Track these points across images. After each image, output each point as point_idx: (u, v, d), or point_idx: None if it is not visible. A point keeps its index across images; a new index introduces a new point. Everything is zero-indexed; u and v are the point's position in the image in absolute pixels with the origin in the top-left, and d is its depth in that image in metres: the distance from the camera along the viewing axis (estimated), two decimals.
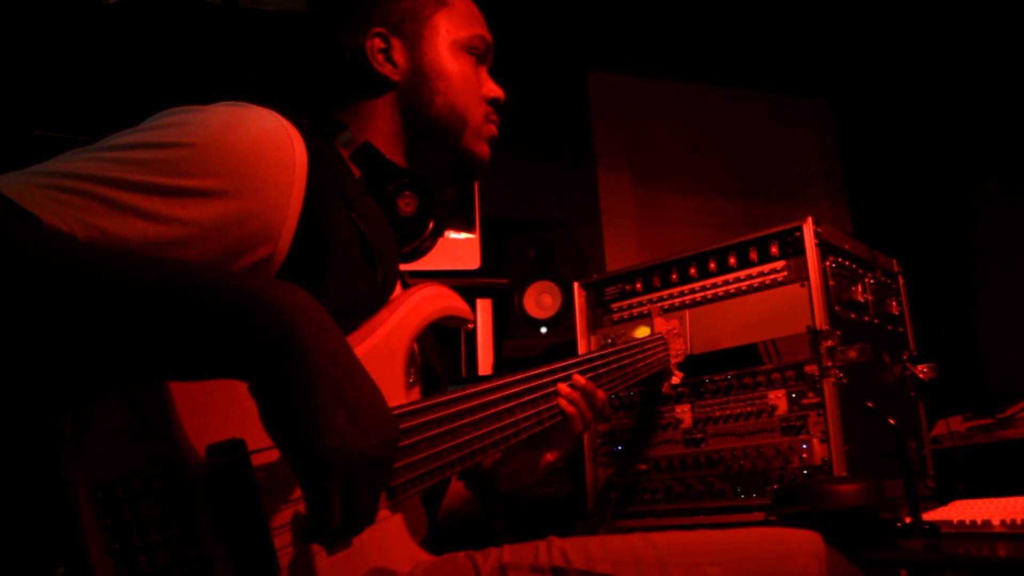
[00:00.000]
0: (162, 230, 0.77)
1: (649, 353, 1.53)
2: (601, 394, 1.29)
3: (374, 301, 1.01)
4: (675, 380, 1.65)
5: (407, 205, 1.14)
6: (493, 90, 1.23)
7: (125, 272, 0.66)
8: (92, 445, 0.65)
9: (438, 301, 1.09)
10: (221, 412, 0.76)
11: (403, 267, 1.22)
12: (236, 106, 0.88)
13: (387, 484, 0.76)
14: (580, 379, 1.26)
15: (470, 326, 1.14)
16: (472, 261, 2.43)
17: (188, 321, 0.65)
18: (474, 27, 1.21)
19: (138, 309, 0.64)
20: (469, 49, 1.20)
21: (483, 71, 1.24)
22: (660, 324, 1.66)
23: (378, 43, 1.15)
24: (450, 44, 1.18)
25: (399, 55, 1.16)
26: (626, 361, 1.44)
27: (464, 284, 2.42)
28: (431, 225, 1.18)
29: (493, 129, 1.23)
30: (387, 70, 1.15)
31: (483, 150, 1.22)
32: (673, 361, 1.64)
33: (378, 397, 0.75)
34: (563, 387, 1.24)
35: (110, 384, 0.67)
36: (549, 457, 1.30)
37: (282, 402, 0.68)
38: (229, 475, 0.74)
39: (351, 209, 1.00)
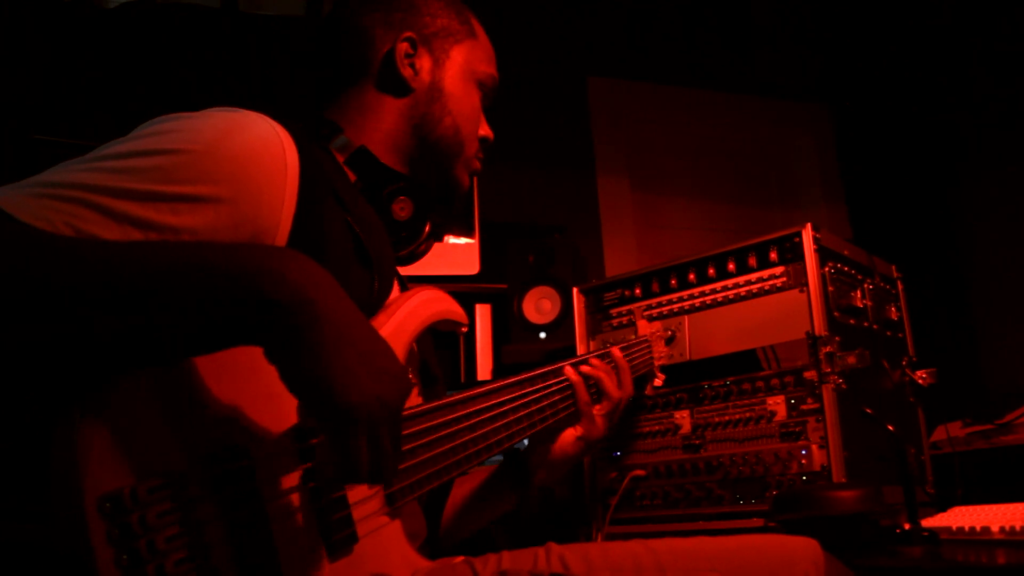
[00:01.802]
0: (155, 238, 0.77)
1: (634, 355, 1.54)
2: (625, 366, 1.44)
3: (370, 304, 1.01)
4: (658, 382, 1.65)
5: (402, 210, 1.15)
6: (487, 131, 1.27)
7: (129, 255, 0.67)
8: (98, 453, 0.65)
9: (434, 305, 1.09)
10: (226, 418, 0.76)
11: (402, 271, 1.23)
12: (228, 111, 0.88)
13: (401, 433, 0.80)
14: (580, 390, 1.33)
15: (464, 329, 1.15)
16: (471, 266, 2.43)
17: (200, 292, 0.67)
18: (491, 66, 1.26)
19: (148, 287, 0.65)
20: (481, 84, 1.24)
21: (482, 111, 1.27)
22: (643, 327, 1.66)
23: (407, 47, 1.17)
24: (468, 73, 1.21)
25: (424, 64, 1.18)
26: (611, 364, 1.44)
27: (463, 289, 2.42)
28: (427, 229, 1.19)
29: (478, 165, 1.27)
30: (408, 74, 1.16)
31: (466, 180, 1.25)
32: (656, 364, 1.64)
33: (387, 347, 0.78)
34: (594, 360, 1.38)
35: (128, 369, 0.68)
36: (568, 440, 1.37)
37: (303, 362, 0.70)
38: (233, 484, 0.74)
39: (346, 213, 1.00)
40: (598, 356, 1.40)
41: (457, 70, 1.20)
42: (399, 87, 1.16)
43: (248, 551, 0.73)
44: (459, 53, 1.21)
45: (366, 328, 0.76)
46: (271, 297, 0.68)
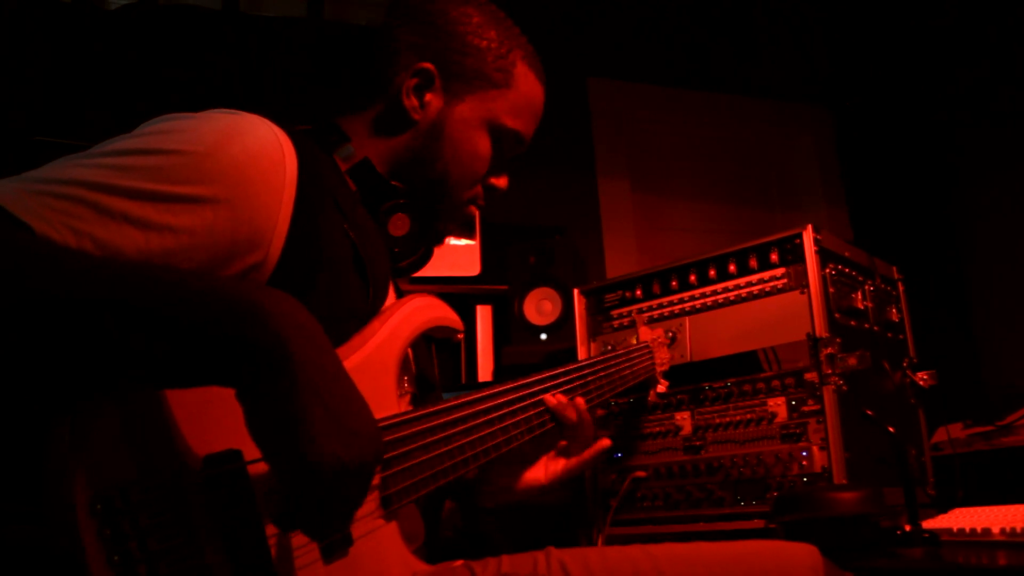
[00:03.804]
0: (153, 237, 0.77)
1: (635, 362, 1.54)
2: (581, 403, 1.28)
3: (365, 311, 1.00)
4: (661, 388, 1.65)
5: (397, 228, 1.12)
6: (498, 182, 1.21)
7: (117, 278, 0.66)
8: (90, 455, 0.65)
9: (428, 312, 1.09)
10: (218, 421, 0.75)
11: None
12: (228, 114, 0.88)
13: (363, 498, 0.76)
14: (551, 400, 1.24)
15: (459, 336, 1.15)
16: (472, 267, 2.43)
17: (179, 326, 0.65)
18: (519, 122, 1.19)
19: (129, 314, 0.64)
20: (498, 134, 1.17)
21: (501, 161, 1.20)
22: (645, 333, 1.66)
23: (417, 79, 1.12)
24: (481, 122, 1.15)
25: (433, 100, 1.13)
26: (613, 370, 1.44)
27: (464, 290, 2.42)
28: (421, 250, 1.17)
29: (471, 212, 1.20)
30: (410, 105, 1.12)
31: (448, 228, 1.20)
32: (659, 369, 1.64)
33: (364, 408, 0.74)
34: (548, 398, 1.23)
35: (100, 392, 0.67)
36: (539, 476, 1.30)
37: (270, 409, 0.67)
38: (226, 485, 0.74)
39: (344, 220, 0.99)
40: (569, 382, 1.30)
41: (468, 117, 1.14)
42: (403, 115, 1.13)
43: (241, 552, 0.73)
44: (478, 100, 1.14)
45: (342, 381, 0.72)
46: (248, 343, 0.66)
